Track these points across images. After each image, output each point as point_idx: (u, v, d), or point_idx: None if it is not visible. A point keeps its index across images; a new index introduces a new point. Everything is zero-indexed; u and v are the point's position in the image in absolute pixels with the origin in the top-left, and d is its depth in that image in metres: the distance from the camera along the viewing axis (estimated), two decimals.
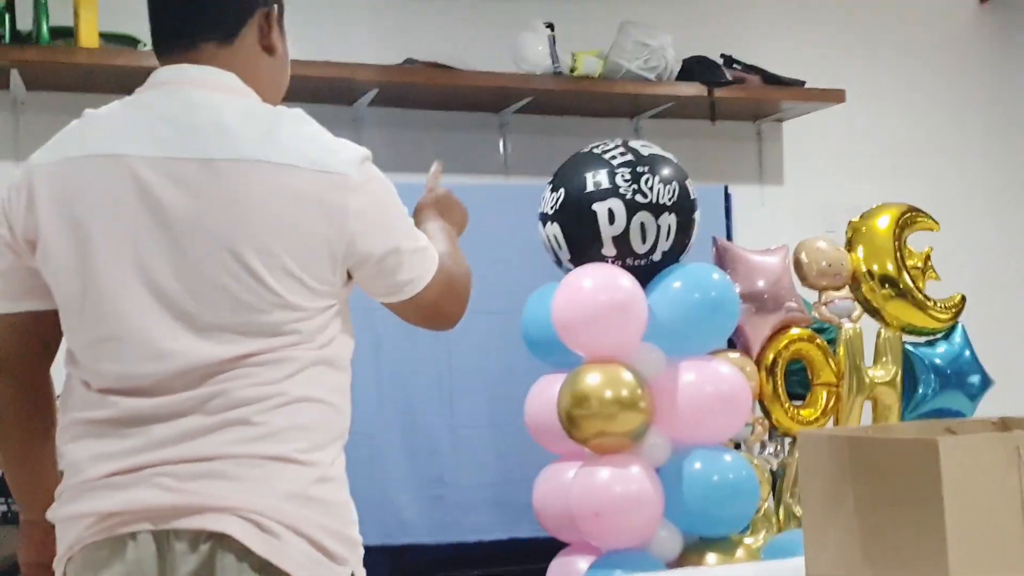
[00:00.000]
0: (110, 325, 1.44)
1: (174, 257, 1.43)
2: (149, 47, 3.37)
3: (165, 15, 1.55)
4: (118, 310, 1.43)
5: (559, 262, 3.15)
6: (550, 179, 3.16)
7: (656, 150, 3.11)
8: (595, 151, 3.09)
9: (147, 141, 1.46)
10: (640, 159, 3.03)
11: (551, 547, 3.15)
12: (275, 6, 1.61)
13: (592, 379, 2.85)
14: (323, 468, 1.46)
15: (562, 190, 3.06)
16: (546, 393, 3.05)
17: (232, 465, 1.39)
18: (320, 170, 1.49)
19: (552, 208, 3.08)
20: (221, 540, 1.37)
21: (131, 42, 3.38)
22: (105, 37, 3.30)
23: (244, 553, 1.37)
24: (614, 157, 3.03)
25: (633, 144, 3.10)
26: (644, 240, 2.98)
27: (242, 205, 1.44)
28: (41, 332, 1.54)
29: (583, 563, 2.95)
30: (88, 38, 3.23)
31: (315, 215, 1.47)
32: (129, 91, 1.59)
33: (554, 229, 3.08)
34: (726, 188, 4.14)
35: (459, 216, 2.01)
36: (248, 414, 1.41)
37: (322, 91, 3.75)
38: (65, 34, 3.27)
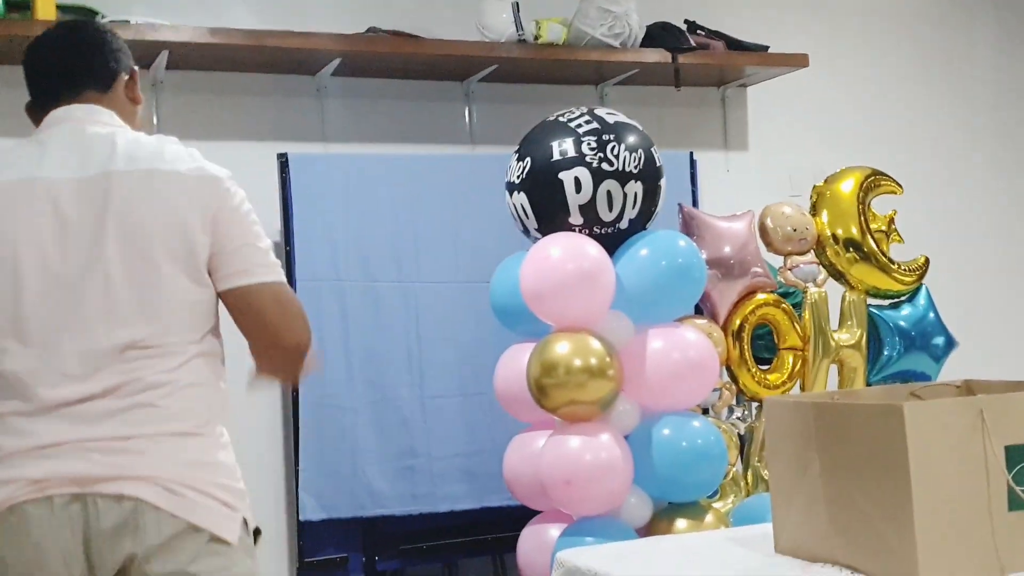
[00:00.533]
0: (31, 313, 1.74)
1: (77, 252, 1.74)
2: (108, 18, 3.33)
3: (53, 71, 1.91)
4: (36, 300, 1.73)
5: (526, 231, 3.14)
6: (516, 148, 3.15)
7: (621, 118, 3.10)
8: (561, 119, 3.08)
9: (55, 166, 1.78)
10: (606, 127, 3.02)
11: (522, 516, 3.17)
12: (134, 67, 2.02)
13: (561, 348, 2.85)
14: (215, 439, 1.81)
15: (528, 159, 3.05)
16: (515, 363, 3.06)
17: (144, 442, 1.72)
18: (199, 175, 1.85)
19: (518, 177, 3.07)
20: (139, 501, 1.69)
21: (89, 13, 3.32)
22: (62, 9, 3.25)
23: (157, 509, 1.70)
24: (580, 125, 3.02)
25: (598, 112, 3.09)
26: (611, 208, 2.98)
27: (137, 209, 1.76)
28: None
29: (554, 531, 2.97)
30: (45, 10, 3.17)
31: (193, 209, 1.81)
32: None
33: (521, 198, 3.07)
34: (691, 154, 4.14)
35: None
36: (153, 398, 1.74)
37: (284, 61, 3.71)
38: (21, 6, 3.21)
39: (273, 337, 1.86)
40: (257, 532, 1.87)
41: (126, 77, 1.98)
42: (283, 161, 3.64)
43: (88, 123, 1.86)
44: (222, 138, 3.93)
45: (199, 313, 1.82)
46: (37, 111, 1.93)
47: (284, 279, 1.90)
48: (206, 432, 1.79)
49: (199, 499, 1.74)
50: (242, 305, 1.84)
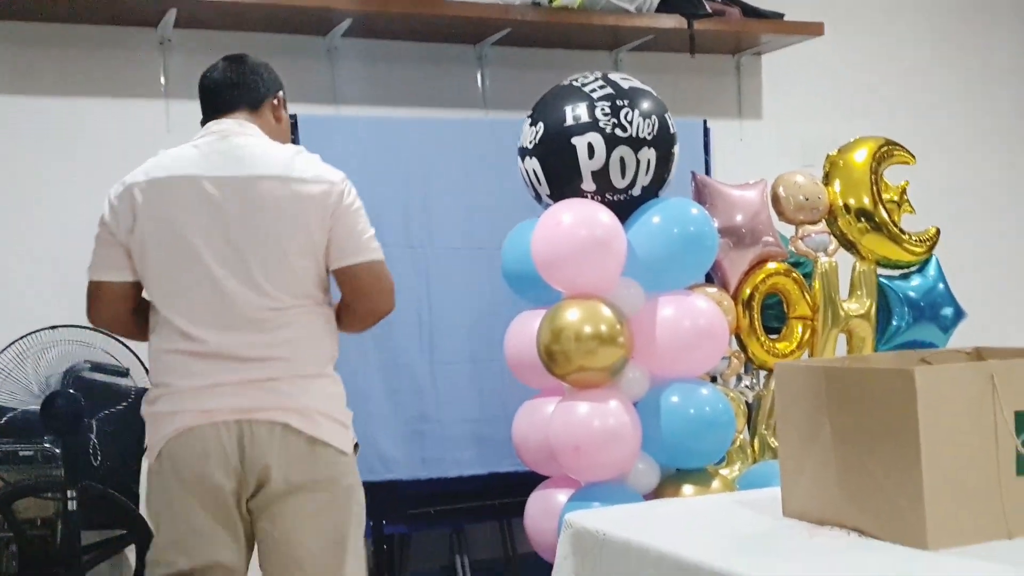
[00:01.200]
0: (197, 279, 2.26)
1: (228, 235, 2.26)
2: None
3: (218, 92, 2.43)
4: (203, 270, 2.25)
5: (538, 197, 3.14)
6: (529, 113, 3.13)
7: (636, 83, 3.08)
8: (575, 84, 3.06)
9: (207, 166, 2.29)
10: (620, 92, 3.00)
11: (531, 481, 3.19)
12: (281, 93, 2.52)
13: (571, 315, 2.85)
14: (331, 378, 2.38)
15: (541, 124, 3.04)
16: (526, 329, 3.06)
17: (284, 384, 2.27)
18: (319, 180, 2.33)
19: (531, 142, 3.06)
20: (285, 426, 2.24)
21: None
22: None
23: (299, 432, 2.25)
24: (594, 90, 3.01)
25: (613, 77, 3.07)
26: (623, 175, 2.97)
27: (270, 205, 2.27)
28: (130, 294, 2.39)
29: (562, 496, 2.99)
30: None
31: (315, 210, 2.30)
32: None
33: (533, 164, 3.06)
34: (705, 122, 4.12)
35: None
36: (286, 352, 2.29)
37: (295, 21, 3.69)
38: None
39: (369, 303, 2.40)
40: (356, 447, 2.43)
41: (274, 101, 2.48)
42: (293, 123, 3.63)
43: (235, 134, 2.35)
44: None
45: (315, 285, 2.33)
46: (203, 122, 2.43)
47: (381, 257, 2.38)
48: (325, 373, 2.36)
49: (324, 423, 2.29)
50: (347, 278, 2.35)
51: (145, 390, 3.24)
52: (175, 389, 2.28)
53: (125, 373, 3.37)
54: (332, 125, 3.70)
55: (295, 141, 3.61)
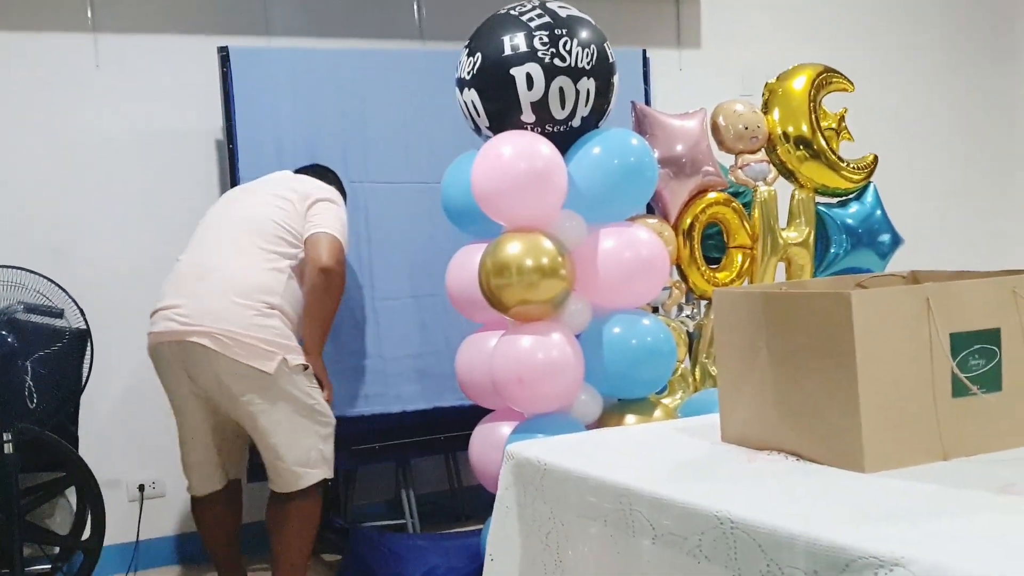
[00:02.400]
0: None
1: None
2: None
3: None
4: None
5: (478, 130, 3.09)
6: (466, 43, 3.07)
7: (574, 12, 3.03)
8: (512, 12, 3.00)
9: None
10: (558, 21, 2.95)
11: (474, 415, 3.19)
12: (340, 191, 3.37)
13: (513, 248, 2.83)
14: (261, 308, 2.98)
15: (479, 55, 2.98)
16: (467, 263, 3.04)
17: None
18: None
19: (469, 74, 3.00)
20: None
21: None
22: None
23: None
24: (531, 19, 2.95)
25: (551, 5, 3.02)
26: (563, 105, 2.93)
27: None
28: None
29: (506, 429, 3.00)
30: None
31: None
32: None
33: (472, 95, 3.01)
34: (644, 52, 4.08)
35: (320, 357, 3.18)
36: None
37: None
38: None
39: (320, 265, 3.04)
40: (306, 367, 3.00)
41: None
42: (224, 55, 3.53)
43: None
44: (160, 31, 3.81)
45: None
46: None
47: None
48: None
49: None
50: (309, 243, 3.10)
51: (80, 330, 3.23)
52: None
53: (60, 314, 3.30)
54: (264, 57, 3.61)
55: (227, 74, 3.52)
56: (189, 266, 3.05)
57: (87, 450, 3.47)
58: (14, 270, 3.26)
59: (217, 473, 3.17)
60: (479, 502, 3.81)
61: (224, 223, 3.13)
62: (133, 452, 3.76)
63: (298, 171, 3.35)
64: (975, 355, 1.47)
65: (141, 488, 3.78)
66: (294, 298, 3.05)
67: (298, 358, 2.99)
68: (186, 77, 3.79)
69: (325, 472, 3.03)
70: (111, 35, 3.72)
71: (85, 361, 3.37)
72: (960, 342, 1.46)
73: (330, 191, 3.20)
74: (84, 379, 3.37)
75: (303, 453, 2.99)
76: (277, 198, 3.11)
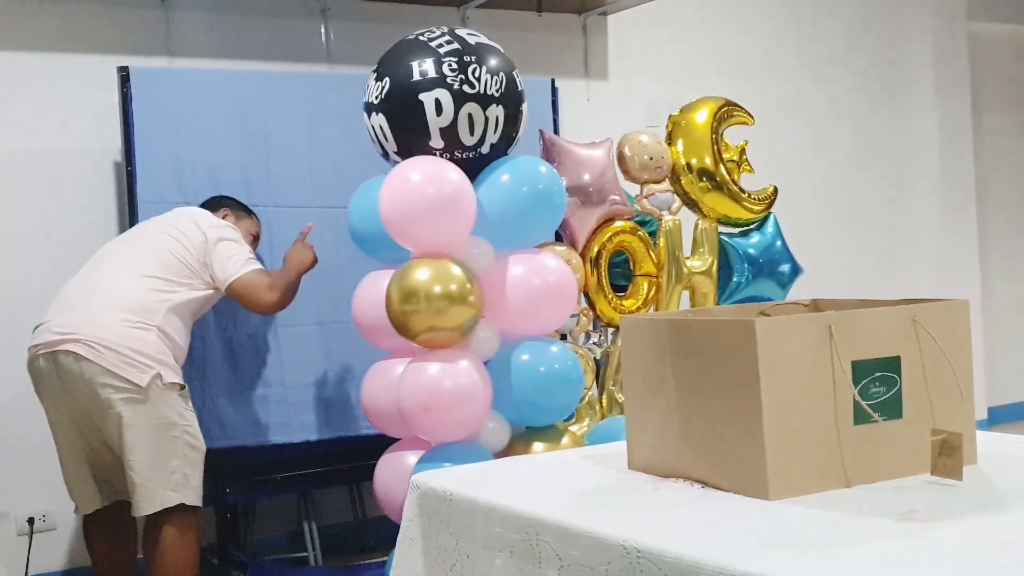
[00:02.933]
0: None
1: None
2: None
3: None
4: None
5: (385, 155, 3.06)
6: (374, 68, 3.05)
7: (483, 39, 3.04)
8: (421, 38, 2.99)
9: None
10: (467, 48, 2.95)
11: (380, 445, 3.15)
12: (231, 211, 3.37)
13: (421, 274, 2.81)
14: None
15: (387, 79, 2.96)
16: (374, 289, 3.00)
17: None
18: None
19: (377, 98, 2.98)
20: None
21: None
22: None
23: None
24: (440, 45, 2.94)
25: (460, 32, 3.02)
26: (472, 132, 2.93)
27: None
28: None
29: (412, 458, 2.96)
30: None
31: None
32: None
33: (380, 120, 2.99)
34: (552, 81, 4.12)
35: (303, 255, 3.33)
36: None
37: None
38: None
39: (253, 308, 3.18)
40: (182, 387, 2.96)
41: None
42: (124, 75, 3.44)
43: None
44: (59, 50, 3.70)
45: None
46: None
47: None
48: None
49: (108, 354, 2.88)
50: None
51: None
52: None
53: None
54: (166, 77, 3.52)
55: (126, 95, 3.43)
56: (74, 285, 3.04)
57: None
58: None
59: (103, 489, 3.07)
60: (384, 533, 3.74)
61: (116, 249, 3.12)
62: (22, 483, 3.60)
63: (202, 205, 3.34)
64: (876, 383, 1.49)
65: (31, 521, 3.62)
66: (176, 327, 3.02)
67: (173, 376, 2.95)
68: (84, 97, 3.68)
69: (187, 498, 2.93)
70: (6, 53, 3.60)
71: None
72: (862, 370, 1.48)
73: (221, 227, 3.16)
74: None
75: (165, 474, 2.90)
76: (173, 230, 3.10)
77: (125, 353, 2.86)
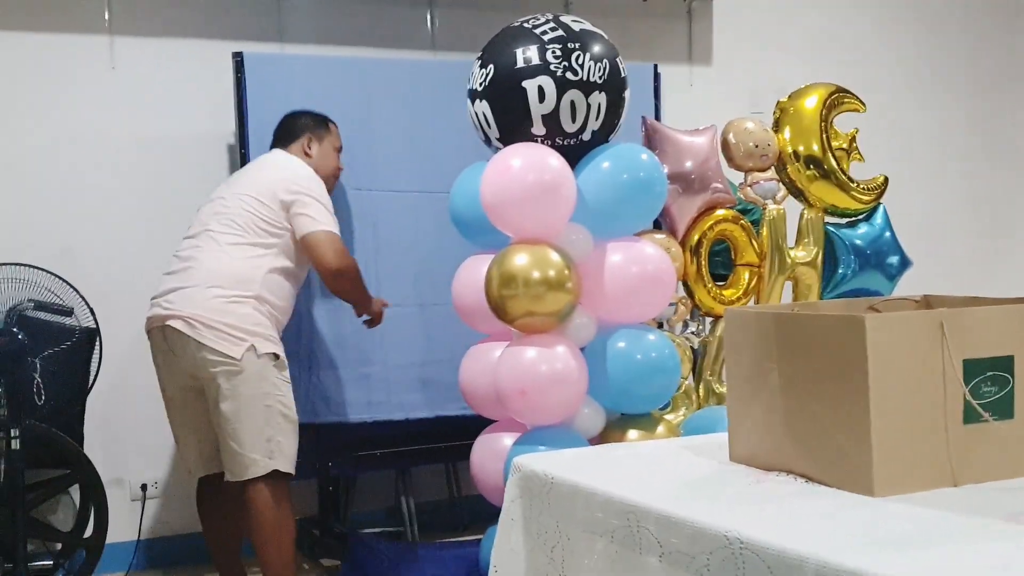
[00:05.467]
0: None
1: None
2: None
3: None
4: None
5: (488, 141, 3.10)
6: (478, 54, 3.08)
7: (587, 26, 3.04)
8: (525, 25, 3.01)
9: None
10: (571, 35, 2.96)
11: (476, 425, 3.20)
12: (308, 136, 3.40)
13: (520, 260, 2.84)
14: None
15: (491, 66, 2.99)
16: (473, 273, 3.04)
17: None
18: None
19: (481, 85, 3.01)
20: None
21: None
22: None
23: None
24: (544, 32, 2.96)
25: (564, 19, 3.03)
26: (574, 119, 2.94)
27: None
28: None
29: (508, 440, 3.00)
30: None
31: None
32: None
33: (483, 107, 3.02)
34: (655, 67, 4.10)
35: (375, 304, 3.44)
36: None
37: None
38: None
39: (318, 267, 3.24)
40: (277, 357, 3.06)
41: (304, 142, 3.37)
42: (239, 60, 3.54)
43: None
44: (176, 35, 3.83)
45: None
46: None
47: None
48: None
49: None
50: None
51: (89, 329, 3.26)
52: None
53: (69, 312, 3.31)
54: (278, 63, 3.62)
55: (240, 80, 3.53)
56: (176, 258, 3.18)
57: (92, 448, 3.47)
58: (25, 267, 3.27)
59: (211, 457, 3.16)
60: (478, 512, 3.81)
61: (207, 216, 3.21)
62: (137, 452, 3.76)
63: (275, 140, 3.40)
64: (988, 382, 1.47)
65: (144, 488, 3.79)
66: (277, 290, 3.13)
67: (269, 346, 3.05)
68: (200, 81, 3.81)
69: (280, 464, 3.03)
70: (128, 38, 3.74)
71: (93, 360, 3.38)
72: (973, 368, 1.46)
73: (307, 181, 3.22)
74: (92, 377, 3.38)
75: (260, 442, 3.01)
76: (256, 189, 3.18)
77: (219, 328, 3.00)
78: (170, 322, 3.04)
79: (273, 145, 3.37)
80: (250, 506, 3.02)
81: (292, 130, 3.37)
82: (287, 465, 3.05)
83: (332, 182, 3.40)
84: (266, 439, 3.01)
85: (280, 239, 3.15)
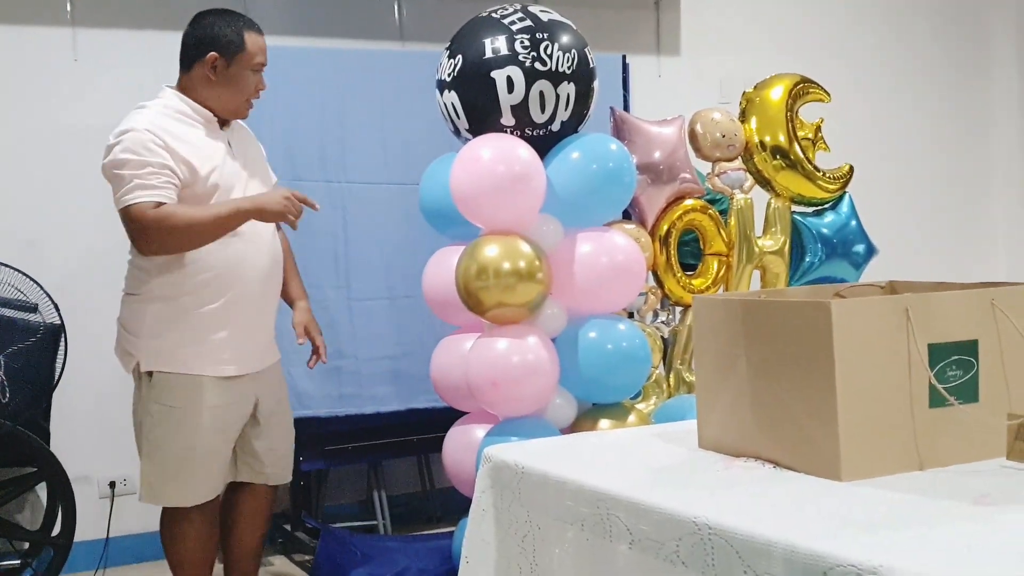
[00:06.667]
0: None
1: None
2: None
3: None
4: None
5: (457, 132, 3.09)
6: (447, 45, 3.07)
7: (555, 16, 3.04)
8: (494, 15, 3.01)
9: None
10: (539, 25, 2.96)
11: (448, 417, 3.19)
12: (212, 53, 2.68)
13: (490, 251, 2.84)
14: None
15: (460, 56, 2.98)
16: (444, 265, 3.04)
17: None
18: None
19: (450, 75, 3.00)
20: None
21: None
22: None
23: None
24: (513, 23, 2.96)
25: (532, 9, 3.03)
26: (543, 109, 2.94)
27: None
28: None
29: (480, 431, 3.00)
30: None
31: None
32: None
33: (452, 97, 3.01)
34: (624, 58, 4.10)
35: (265, 202, 2.69)
36: None
37: None
38: None
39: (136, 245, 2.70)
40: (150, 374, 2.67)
41: (204, 59, 2.68)
42: None
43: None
44: (140, 27, 3.79)
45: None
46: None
47: (131, 203, 2.56)
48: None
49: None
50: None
51: (54, 325, 3.21)
52: None
53: (34, 308, 3.28)
54: None
55: None
56: None
57: (59, 446, 3.44)
58: None
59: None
60: (451, 504, 3.81)
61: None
62: (105, 448, 3.73)
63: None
64: (952, 366, 1.48)
65: (112, 485, 3.75)
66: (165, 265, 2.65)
67: (145, 361, 2.67)
68: (164, 74, 3.75)
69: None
70: (90, 30, 3.70)
71: (58, 356, 3.34)
72: (938, 353, 1.48)
73: (113, 138, 2.63)
74: (57, 374, 3.34)
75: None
76: None
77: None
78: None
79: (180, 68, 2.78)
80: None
81: (193, 45, 2.70)
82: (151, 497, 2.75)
83: (246, 109, 2.80)
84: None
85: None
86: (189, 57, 2.71)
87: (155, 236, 2.58)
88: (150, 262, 2.65)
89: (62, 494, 3.32)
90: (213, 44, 2.68)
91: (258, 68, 2.77)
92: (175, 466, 2.69)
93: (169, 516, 2.78)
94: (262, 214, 2.66)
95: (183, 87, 2.73)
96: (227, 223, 2.62)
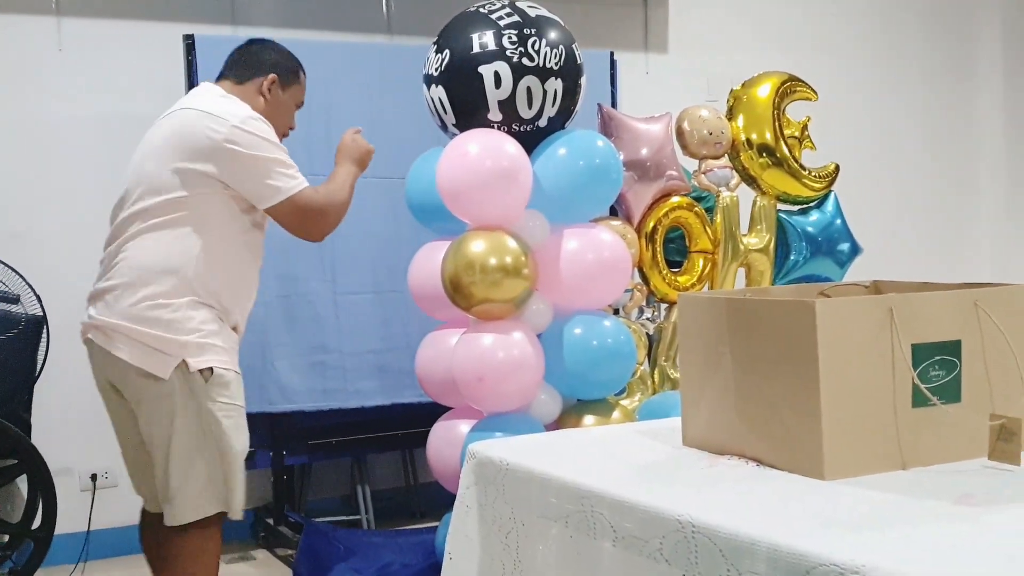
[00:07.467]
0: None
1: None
2: None
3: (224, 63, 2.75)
4: None
5: (444, 127, 3.09)
6: (435, 39, 3.06)
7: (543, 12, 3.04)
8: (481, 10, 3.00)
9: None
10: (527, 20, 2.96)
11: (433, 412, 3.19)
12: (273, 76, 2.70)
13: (477, 246, 2.83)
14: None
15: (447, 51, 2.97)
16: (430, 260, 3.03)
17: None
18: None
19: (437, 70, 3.00)
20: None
21: None
22: None
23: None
24: (501, 18, 2.95)
25: (520, 5, 3.02)
26: (530, 105, 2.94)
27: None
28: None
29: (464, 427, 3.00)
30: None
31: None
32: None
33: (439, 92, 3.01)
34: (612, 54, 4.10)
35: (360, 154, 2.78)
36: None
37: None
38: None
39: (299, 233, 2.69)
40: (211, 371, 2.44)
41: (263, 81, 2.69)
42: (189, 43, 3.49)
43: (198, 93, 2.69)
44: (125, 16, 3.76)
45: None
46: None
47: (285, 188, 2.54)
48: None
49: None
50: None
51: (36, 316, 3.19)
52: None
53: (16, 300, 3.26)
54: (230, 46, 3.55)
55: (191, 63, 3.48)
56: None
57: (40, 438, 3.41)
58: None
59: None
60: (435, 499, 3.81)
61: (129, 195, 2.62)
62: (86, 441, 3.71)
63: (227, 69, 2.76)
64: (936, 366, 1.49)
65: (93, 477, 3.74)
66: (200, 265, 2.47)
67: (204, 360, 2.42)
68: (150, 64, 3.75)
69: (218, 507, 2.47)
70: (75, 19, 3.67)
71: (40, 348, 3.32)
72: (922, 353, 1.48)
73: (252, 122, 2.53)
74: (39, 366, 3.32)
75: (193, 482, 2.44)
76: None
77: (139, 340, 2.49)
78: (88, 334, 2.53)
79: (222, 76, 2.71)
80: (172, 547, 2.50)
81: (255, 63, 2.69)
82: (222, 505, 2.47)
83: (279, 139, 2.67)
84: (201, 477, 2.44)
85: (205, 204, 2.48)
86: (249, 71, 2.69)
87: (333, 217, 2.61)
88: (192, 266, 2.44)
89: (43, 487, 3.30)
90: (275, 68, 2.72)
91: (299, 105, 2.82)
92: (239, 467, 2.48)
93: (203, 525, 2.46)
94: (363, 167, 2.79)
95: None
96: (353, 188, 2.71)
